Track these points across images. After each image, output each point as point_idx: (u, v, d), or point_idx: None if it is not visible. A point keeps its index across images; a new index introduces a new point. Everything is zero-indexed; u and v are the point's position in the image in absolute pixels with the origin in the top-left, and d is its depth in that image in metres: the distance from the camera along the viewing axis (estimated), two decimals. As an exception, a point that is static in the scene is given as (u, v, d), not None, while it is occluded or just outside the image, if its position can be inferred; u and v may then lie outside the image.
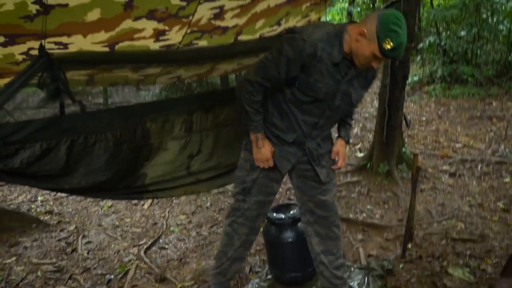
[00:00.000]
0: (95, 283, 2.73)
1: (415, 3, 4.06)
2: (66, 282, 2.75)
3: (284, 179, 2.21)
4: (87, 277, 2.80)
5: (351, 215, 3.51)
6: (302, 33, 1.77)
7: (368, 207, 3.68)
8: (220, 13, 2.05)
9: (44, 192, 4.18)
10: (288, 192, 4.10)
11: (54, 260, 3.02)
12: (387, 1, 4.24)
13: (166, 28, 1.99)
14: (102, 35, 1.85)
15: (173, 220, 3.61)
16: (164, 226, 3.47)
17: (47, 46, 1.67)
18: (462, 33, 8.43)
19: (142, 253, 3.04)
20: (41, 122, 1.74)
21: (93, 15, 1.67)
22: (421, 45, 9.20)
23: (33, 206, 3.97)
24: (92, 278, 2.79)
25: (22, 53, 1.82)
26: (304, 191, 2.11)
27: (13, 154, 1.66)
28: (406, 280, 2.56)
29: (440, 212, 3.50)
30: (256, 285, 2.56)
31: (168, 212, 3.73)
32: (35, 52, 1.70)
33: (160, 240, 3.27)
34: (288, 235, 2.43)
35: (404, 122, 4.13)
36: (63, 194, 4.06)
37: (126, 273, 2.82)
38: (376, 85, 4.72)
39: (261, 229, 2.60)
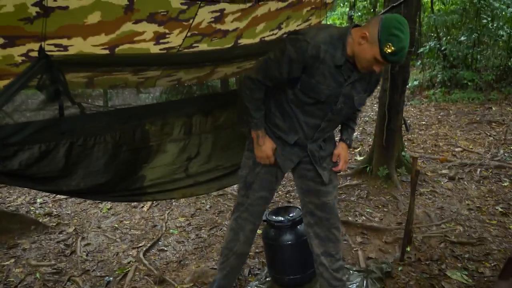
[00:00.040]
0: (94, 285, 2.73)
1: (416, 8, 4.08)
2: (65, 284, 2.75)
3: (284, 182, 2.23)
4: (86, 279, 2.80)
5: (350, 218, 3.51)
6: (305, 34, 1.79)
7: (368, 210, 3.68)
8: (220, 17, 2.05)
9: (43, 194, 4.18)
10: (287, 195, 4.10)
11: (53, 262, 3.02)
12: (387, 5, 4.26)
13: (167, 31, 1.99)
14: (102, 38, 1.85)
15: (172, 222, 3.61)
16: (164, 229, 3.47)
17: (47, 48, 1.68)
18: (462, 38, 8.45)
19: (141, 255, 3.04)
20: (40, 124, 1.74)
21: (94, 17, 1.68)
22: (421, 49, 9.22)
23: (32, 208, 3.97)
24: (91, 280, 2.79)
25: (21, 55, 1.82)
26: (305, 192, 2.12)
27: (12, 156, 1.66)
28: (405, 283, 2.56)
29: (439, 216, 3.51)
30: (255, 287, 2.57)
31: (168, 214, 3.74)
32: (34, 54, 1.70)
33: (159, 242, 3.27)
34: (287, 238, 2.43)
35: (404, 126, 4.14)
36: (62, 196, 4.07)
37: (125, 275, 2.81)
38: (376, 89, 4.73)
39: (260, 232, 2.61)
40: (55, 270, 2.90)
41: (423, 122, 6.72)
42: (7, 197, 4.21)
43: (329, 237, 2.12)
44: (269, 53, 1.89)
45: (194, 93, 6.71)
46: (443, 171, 4.52)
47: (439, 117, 6.98)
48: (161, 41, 2.07)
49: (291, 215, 2.50)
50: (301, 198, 2.18)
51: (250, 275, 2.74)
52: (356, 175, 4.47)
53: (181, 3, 1.81)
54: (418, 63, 10.04)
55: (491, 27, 8.21)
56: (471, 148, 5.30)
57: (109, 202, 3.93)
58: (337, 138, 2.17)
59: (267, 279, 2.63)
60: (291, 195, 4.10)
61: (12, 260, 3.04)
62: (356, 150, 5.49)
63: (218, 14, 2.02)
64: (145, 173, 2.16)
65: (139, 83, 2.75)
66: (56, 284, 2.75)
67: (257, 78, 1.88)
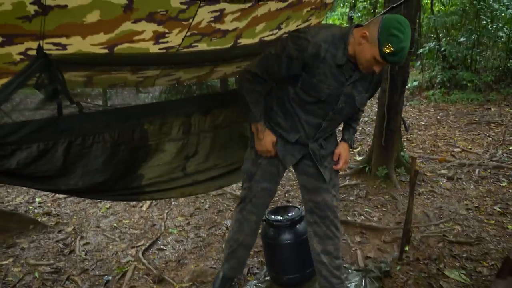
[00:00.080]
0: (92, 284, 2.73)
1: (415, 9, 4.08)
2: (64, 283, 2.75)
3: (283, 182, 2.24)
4: (85, 278, 2.80)
5: (349, 218, 3.51)
6: (307, 32, 1.79)
7: (366, 209, 3.69)
8: (220, 16, 2.05)
9: (42, 193, 4.18)
10: (286, 195, 4.10)
11: (51, 261, 3.01)
12: (387, 6, 4.26)
13: (166, 30, 1.99)
14: (101, 37, 1.85)
15: (171, 221, 3.61)
16: (163, 228, 3.47)
17: (45, 47, 1.67)
18: (462, 39, 8.47)
19: (140, 254, 3.04)
20: (38, 123, 1.73)
21: (93, 16, 1.68)
22: (421, 50, 9.23)
23: (30, 207, 3.97)
24: (89, 279, 2.79)
25: (19, 53, 1.81)
26: (306, 189, 2.15)
27: (9, 155, 1.66)
28: (403, 282, 2.57)
29: (437, 215, 3.51)
30: (254, 287, 2.57)
31: (167, 214, 3.73)
32: (33, 53, 1.69)
33: (158, 242, 3.27)
34: (286, 237, 2.43)
35: (403, 127, 4.14)
36: (61, 196, 4.06)
37: (124, 274, 2.81)
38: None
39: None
40: (54, 269, 2.90)
41: (422, 123, 6.73)
42: (6, 196, 4.20)
43: (329, 236, 2.12)
44: (270, 48, 1.91)
45: (193, 93, 6.71)
46: (442, 171, 4.52)
47: (438, 117, 6.99)
48: (160, 40, 2.07)
49: (290, 214, 2.50)
50: (302, 196, 2.21)
51: (249, 274, 2.74)
52: (355, 175, 4.48)
53: (181, 3, 1.81)
54: (418, 64, 10.05)
55: (490, 28, 8.23)
56: (470, 149, 5.30)
57: (108, 202, 3.93)
58: (338, 138, 2.18)
59: (266, 278, 2.63)
60: (290, 194, 4.10)
61: (11, 259, 3.04)
62: (356, 150, 5.49)
63: (217, 14, 2.02)
64: (143, 172, 2.16)
65: (138, 82, 2.75)
66: (54, 283, 2.75)
67: (256, 72, 1.90)
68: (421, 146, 5.56)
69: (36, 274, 2.83)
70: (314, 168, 2.06)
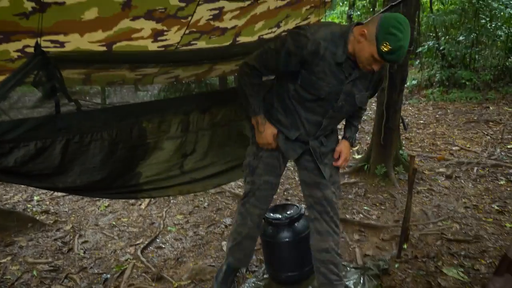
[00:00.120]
0: (91, 282, 2.73)
1: (415, 7, 4.08)
2: (62, 281, 2.75)
3: (282, 180, 2.25)
4: (83, 277, 2.80)
5: (348, 216, 3.52)
6: (307, 30, 1.80)
7: (365, 208, 3.69)
8: (219, 14, 2.05)
9: (40, 191, 4.18)
10: (285, 193, 4.10)
11: (50, 259, 3.01)
12: (386, 4, 4.26)
13: (165, 28, 1.99)
14: (100, 34, 1.85)
15: (170, 220, 3.61)
16: (161, 226, 3.47)
17: (43, 44, 1.67)
18: (461, 38, 8.48)
19: (139, 252, 3.04)
20: (36, 121, 1.72)
21: (91, 14, 1.67)
22: (420, 49, 9.23)
23: (29, 205, 3.96)
24: (88, 278, 2.79)
25: (17, 50, 1.80)
26: (306, 184, 2.15)
27: (7, 153, 1.65)
28: (401, 280, 2.57)
29: (435, 214, 3.52)
30: (253, 284, 2.57)
31: (165, 212, 3.73)
32: (30, 50, 1.69)
33: (157, 240, 3.27)
34: (285, 235, 2.44)
35: (401, 125, 4.14)
36: (60, 194, 4.06)
37: (123, 272, 2.81)
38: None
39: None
40: (52, 268, 2.90)
41: (421, 121, 6.74)
42: (4, 195, 4.20)
43: (329, 232, 2.13)
44: (270, 43, 1.92)
45: (192, 91, 6.71)
46: (440, 170, 4.53)
47: (437, 116, 6.99)
48: (159, 38, 2.07)
49: (288, 212, 2.51)
50: (303, 191, 2.22)
51: (247, 272, 2.74)
52: (354, 173, 4.48)
53: (180, 0, 1.81)
54: (417, 63, 10.06)
55: (489, 27, 8.24)
56: (468, 147, 5.31)
57: (107, 200, 3.92)
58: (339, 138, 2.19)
59: (264, 276, 2.63)
60: (289, 192, 4.10)
61: (9, 258, 3.03)
62: (354, 149, 5.49)
63: (216, 11, 2.01)
64: (141, 170, 2.16)
65: (137, 80, 2.75)
66: (53, 281, 2.75)
67: (254, 65, 1.92)
68: (419, 144, 5.57)
69: (35, 272, 2.83)
70: (314, 163, 2.07)
